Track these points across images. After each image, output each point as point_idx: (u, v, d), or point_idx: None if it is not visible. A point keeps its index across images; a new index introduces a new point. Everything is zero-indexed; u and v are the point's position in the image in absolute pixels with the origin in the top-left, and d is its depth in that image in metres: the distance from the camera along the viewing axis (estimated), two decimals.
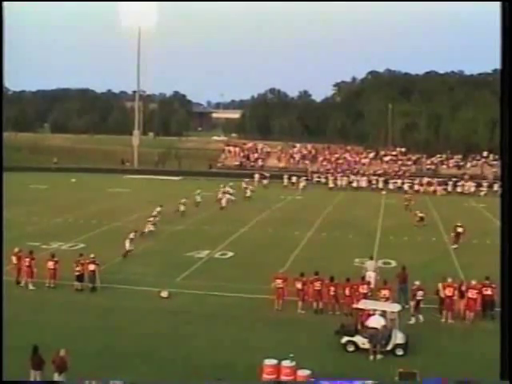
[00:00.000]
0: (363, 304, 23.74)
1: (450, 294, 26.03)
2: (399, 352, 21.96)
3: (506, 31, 16.23)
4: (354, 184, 78.42)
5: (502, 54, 16.29)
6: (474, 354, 22.31)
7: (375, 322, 22.47)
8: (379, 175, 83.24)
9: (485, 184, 78.31)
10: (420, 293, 25.91)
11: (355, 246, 40.82)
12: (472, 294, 26.03)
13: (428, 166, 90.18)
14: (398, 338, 22.13)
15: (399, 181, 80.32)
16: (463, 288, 26.36)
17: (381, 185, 78.78)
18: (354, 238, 43.62)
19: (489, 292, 26.28)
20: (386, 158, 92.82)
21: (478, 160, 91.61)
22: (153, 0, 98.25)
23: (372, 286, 27.94)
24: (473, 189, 77.56)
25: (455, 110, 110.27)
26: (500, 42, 16.26)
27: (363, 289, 26.55)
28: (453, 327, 25.22)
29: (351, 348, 22.22)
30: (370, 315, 22.89)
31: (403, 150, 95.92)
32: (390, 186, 78.31)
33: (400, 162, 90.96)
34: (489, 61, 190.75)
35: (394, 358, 21.46)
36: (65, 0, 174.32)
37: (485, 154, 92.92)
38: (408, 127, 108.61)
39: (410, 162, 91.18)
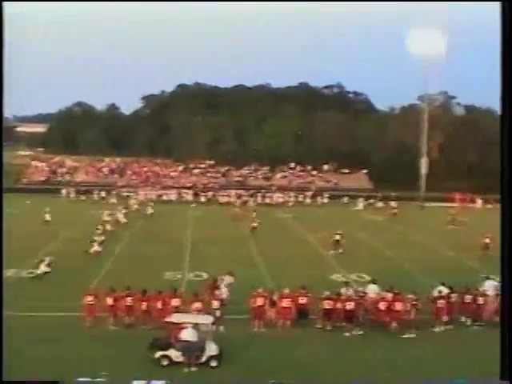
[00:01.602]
0: (175, 317, 23.51)
1: (260, 304, 26.46)
2: (213, 363, 21.96)
3: (506, 31, 16.35)
4: (165, 197, 78.60)
5: (501, 54, 16.39)
6: (286, 360, 22.77)
7: (187, 334, 22.32)
8: (189, 188, 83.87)
9: (292, 194, 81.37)
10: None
11: (166, 259, 40.54)
12: (286, 302, 26.60)
13: (236, 178, 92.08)
14: (212, 349, 22.14)
15: (210, 193, 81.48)
16: (275, 297, 26.90)
17: (190, 197, 79.55)
18: (165, 251, 43.27)
19: (304, 301, 27.00)
20: (196, 171, 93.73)
21: (285, 171, 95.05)
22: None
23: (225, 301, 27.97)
24: (281, 199, 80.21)
25: (261, 123, 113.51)
26: (500, 41, 16.38)
27: (175, 302, 26.32)
28: (265, 335, 25.63)
29: (165, 362, 21.91)
30: (182, 328, 22.71)
31: (212, 162, 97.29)
32: (202, 199, 79.19)
33: (209, 175, 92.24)
34: (295, 74, 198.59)
35: (208, 370, 21.48)
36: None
37: (292, 165, 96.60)
38: (215, 140, 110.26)
39: (218, 175, 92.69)
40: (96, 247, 42.09)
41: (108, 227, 49.70)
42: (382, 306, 26.88)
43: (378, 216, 67.67)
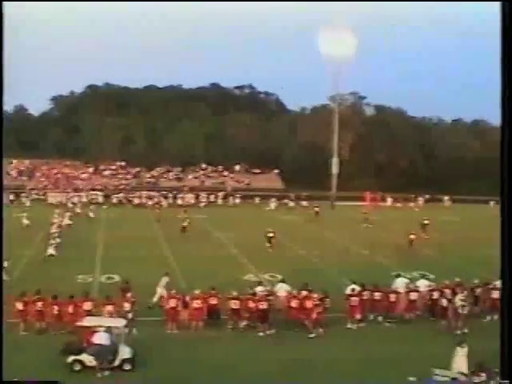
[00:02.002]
0: (87, 321, 23.14)
1: (173, 305, 26.41)
2: (127, 367, 21.73)
3: (506, 31, 16.31)
4: (76, 199, 76.99)
5: (501, 54, 16.31)
6: (200, 361, 22.72)
7: (100, 338, 22.02)
8: (100, 190, 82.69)
9: (204, 195, 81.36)
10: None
11: (77, 262, 39.77)
12: (197, 303, 26.59)
13: (148, 180, 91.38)
14: (125, 352, 21.91)
15: (121, 195, 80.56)
16: (187, 299, 26.84)
17: (101, 199, 78.48)
18: (75, 254, 42.44)
19: (214, 301, 27.04)
20: (106, 173, 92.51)
21: (197, 172, 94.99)
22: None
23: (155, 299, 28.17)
24: (193, 200, 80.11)
25: (172, 124, 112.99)
26: (500, 41, 16.32)
27: (87, 306, 25.91)
28: (178, 337, 25.55)
29: (78, 367, 21.53)
30: (95, 332, 22.38)
31: (123, 163, 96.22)
32: (114, 200, 78.26)
33: (120, 176, 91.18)
34: (207, 75, 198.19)
35: (122, 373, 21.24)
36: None
37: (203, 166, 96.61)
38: (126, 141, 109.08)
39: (129, 176, 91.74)
40: (51, 250, 41.45)
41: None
42: (294, 304, 27.20)
43: (290, 216, 68.39)
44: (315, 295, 27.42)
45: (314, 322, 26.44)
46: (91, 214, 62.35)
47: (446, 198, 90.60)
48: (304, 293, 27.79)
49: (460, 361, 20.51)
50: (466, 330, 26.36)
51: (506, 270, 16.43)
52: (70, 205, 70.52)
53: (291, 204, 79.49)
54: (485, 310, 29.25)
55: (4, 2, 18.46)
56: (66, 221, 55.24)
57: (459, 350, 20.74)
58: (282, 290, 29.10)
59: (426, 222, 55.97)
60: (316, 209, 68.86)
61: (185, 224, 53.11)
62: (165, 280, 30.52)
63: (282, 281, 30.20)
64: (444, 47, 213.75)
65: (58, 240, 43.99)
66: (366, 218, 63.25)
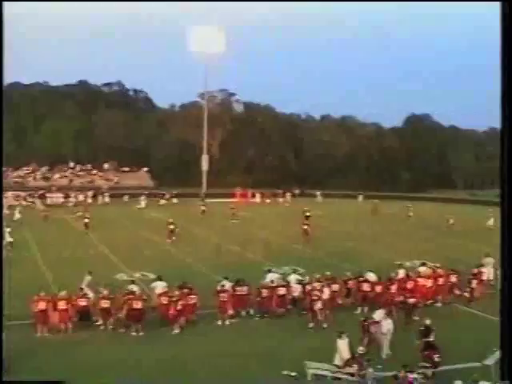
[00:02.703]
0: None
1: (42, 308, 25.84)
2: None
3: (506, 31, 16.23)
4: None
5: (501, 53, 16.21)
6: (74, 364, 22.45)
7: None
8: None
9: (73, 194, 79.85)
10: None
11: None
12: (65, 305, 26.14)
13: (15, 179, 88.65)
14: None
15: None
16: (57, 301, 26.37)
17: None
18: None
19: (84, 303, 26.72)
20: None
21: (66, 171, 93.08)
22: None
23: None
24: (61, 200, 78.46)
25: (39, 122, 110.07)
26: (500, 41, 16.23)
27: None
28: (49, 340, 25.12)
29: None
30: None
31: None
32: None
33: None
34: (74, 72, 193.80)
35: None
36: None
37: (71, 164, 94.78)
38: None
39: None
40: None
41: None
42: (164, 300, 27.21)
43: (160, 213, 68.18)
44: (177, 292, 27.62)
45: (173, 319, 26.57)
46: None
47: (318, 192, 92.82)
48: (185, 291, 27.87)
49: (342, 352, 21.15)
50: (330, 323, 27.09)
51: (506, 270, 16.70)
52: None
53: (162, 202, 79.38)
54: (356, 302, 30.21)
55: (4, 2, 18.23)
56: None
57: (340, 341, 21.36)
58: (160, 287, 29.06)
59: (307, 213, 58.41)
60: (202, 207, 69.27)
61: (86, 221, 54.23)
62: (87, 279, 30.18)
63: (159, 278, 30.12)
64: (314, 46, 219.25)
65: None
66: (233, 213, 64.14)
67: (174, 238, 49.73)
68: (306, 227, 51.62)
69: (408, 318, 27.46)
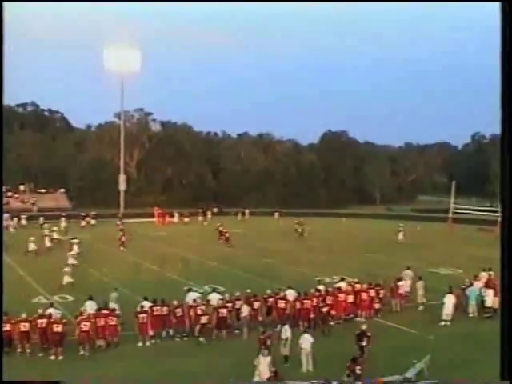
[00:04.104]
0: None
1: None
2: None
3: (506, 31, 16.16)
4: None
5: (501, 53, 16.15)
6: None
7: None
8: None
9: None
10: None
11: None
12: None
13: None
14: None
15: None
16: None
17: None
18: None
19: (7, 328, 25.93)
20: None
21: None
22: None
23: None
24: None
25: None
26: (500, 42, 16.16)
27: None
28: None
29: None
30: None
31: None
32: None
33: None
34: None
35: None
36: None
37: None
38: None
39: None
40: None
41: None
42: (84, 326, 26.66)
43: (81, 234, 66.91)
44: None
45: (81, 341, 26.41)
46: None
47: (238, 210, 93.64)
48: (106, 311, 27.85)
49: (263, 369, 21.38)
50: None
51: (506, 270, 16.54)
52: None
53: (83, 223, 77.78)
54: (276, 319, 30.13)
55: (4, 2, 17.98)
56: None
57: (262, 358, 21.59)
58: (89, 307, 28.83)
59: (221, 229, 62.34)
60: (120, 226, 67.64)
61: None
62: (114, 296, 31.26)
63: (90, 298, 29.84)
64: (230, 64, 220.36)
65: None
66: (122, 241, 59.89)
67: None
68: (221, 241, 55.35)
69: (325, 328, 28.70)
